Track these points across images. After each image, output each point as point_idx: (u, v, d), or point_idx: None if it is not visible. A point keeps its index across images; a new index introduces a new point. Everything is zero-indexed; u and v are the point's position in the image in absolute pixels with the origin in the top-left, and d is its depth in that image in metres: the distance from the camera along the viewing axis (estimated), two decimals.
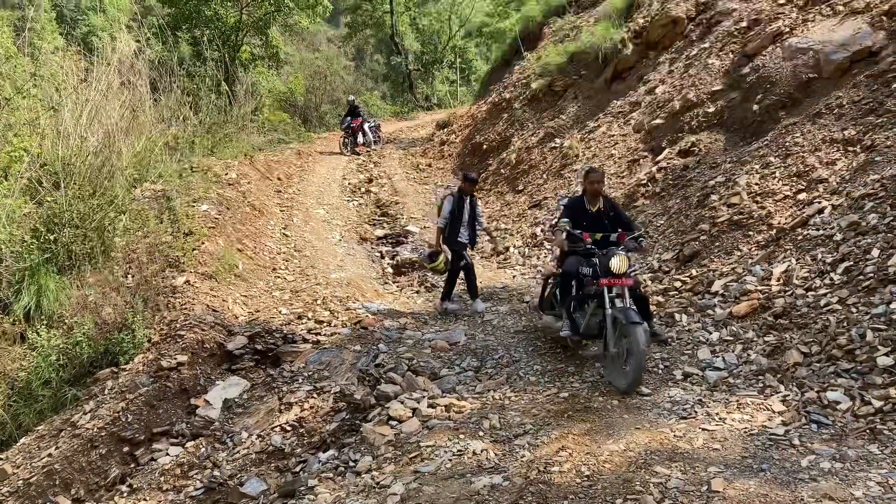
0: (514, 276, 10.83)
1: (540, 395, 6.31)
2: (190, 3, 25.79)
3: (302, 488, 5.64)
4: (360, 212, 15.23)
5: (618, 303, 6.27)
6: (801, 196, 7.81)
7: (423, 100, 37.59)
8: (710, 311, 7.12)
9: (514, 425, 5.72)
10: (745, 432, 5.08)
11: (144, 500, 6.46)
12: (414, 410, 6.34)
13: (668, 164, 10.57)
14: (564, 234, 6.90)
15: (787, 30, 10.28)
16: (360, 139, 20.84)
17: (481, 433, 5.64)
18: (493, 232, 10.19)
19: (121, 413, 7.33)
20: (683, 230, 8.84)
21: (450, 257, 9.22)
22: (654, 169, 10.76)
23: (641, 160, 11.48)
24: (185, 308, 8.93)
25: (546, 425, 5.61)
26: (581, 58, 16.09)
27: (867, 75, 8.55)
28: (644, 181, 10.59)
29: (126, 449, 7.08)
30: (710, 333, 6.76)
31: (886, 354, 5.19)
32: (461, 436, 5.62)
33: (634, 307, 6.17)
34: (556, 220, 7.86)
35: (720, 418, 5.35)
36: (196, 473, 6.63)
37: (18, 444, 7.58)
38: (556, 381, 6.58)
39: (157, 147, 13.00)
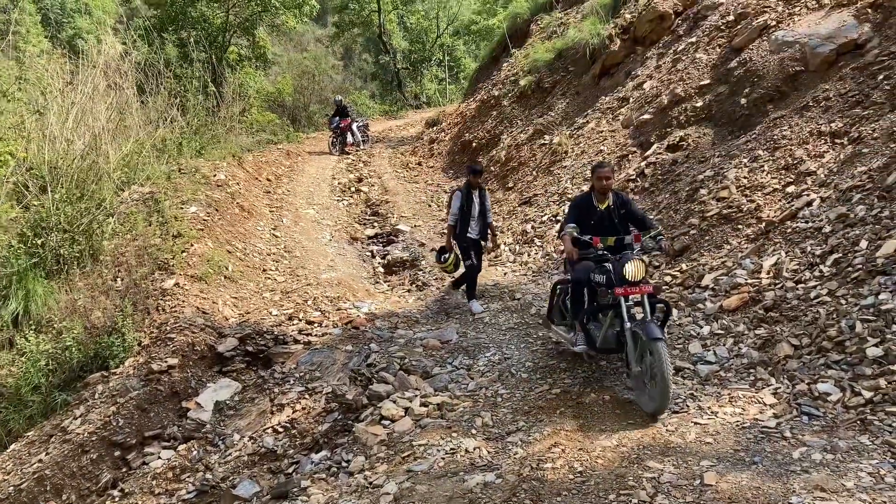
0: (504, 274, 10.82)
1: (532, 391, 6.30)
2: (176, 4, 25.70)
3: (294, 489, 5.62)
4: (351, 211, 15.19)
5: (638, 314, 5.77)
6: (790, 189, 7.84)
7: (412, 98, 37.55)
8: (700, 306, 7.13)
9: (506, 422, 5.72)
10: (737, 425, 5.09)
11: None
12: (406, 409, 6.33)
13: (656, 158, 10.58)
14: (572, 241, 6.24)
15: (774, 23, 10.30)
16: (349, 139, 20.78)
17: (474, 431, 5.63)
18: (496, 230, 9.80)
19: (112, 417, 7.29)
20: (673, 225, 8.86)
21: (460, 255, 9.02)
22: (642, 164, 10.77)
23: (630, 155, 11.49)
24: (175, 311, 8.88)
25: (538, 422, 5.61)
26: (569, 54, 16.13)
27: (853, 68, 8.58)
28: (633, 176, 10.60)
29: (117, 453, 7.04)
30: (701, 327, 6.77)
31: (876, 345, 5.21)
32: (454, 434, 5.62)
33: (656, 318, 5.68)
34: (563, 221, 6.97)
35: (712, 412, 5.36)
36: (188, 476, 6.60)
37: (8, 451, 7.53)
38: (547, 378, 6.57)
39: (145, 149, 12.93)
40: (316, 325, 8.93)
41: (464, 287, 9.43)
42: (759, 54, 10.01)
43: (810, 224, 7.00)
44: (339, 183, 17.17)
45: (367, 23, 36.70)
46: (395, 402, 6.47)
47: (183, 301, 9.09)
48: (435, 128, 21.59)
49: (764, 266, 6.96)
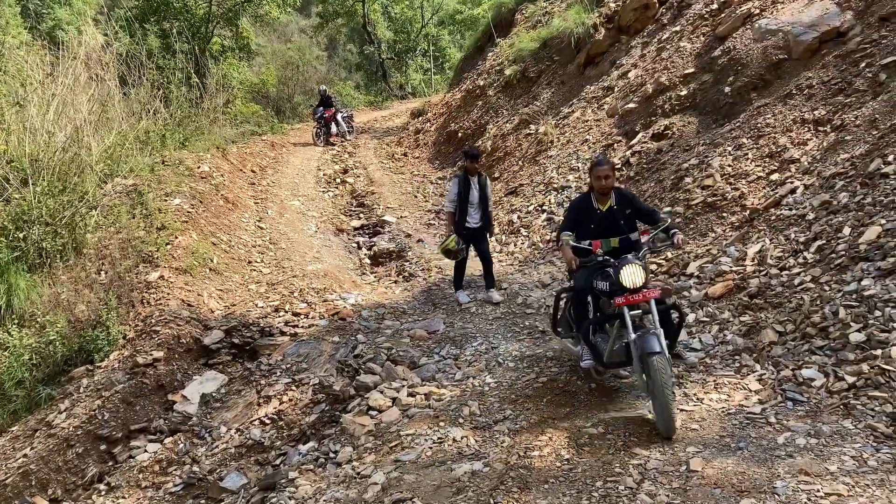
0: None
1: (519, 380, 6.31)
2: None
3: (282, 481, 5.61)
4: (336, 202, 15.13)
5: (647, 322, 5.22)
6: (774, 176, 7.88)
7: (398, 89, 37.38)
8: (686, 293, 7.16)
9: (493, 411, 5.73)
10: (723, 412, 5.13)
11: (123, 497, 6.40)
12: (394, 400, 6.33)
13: (641, 147, 10.61)
14: (574, 248, 5.62)
15: (758, 11, 10.33)
16: (334, 129, 20.68)
17: (461, 420, 5.64)
18: (493, 218, 9.43)
19: (97, 411, 7.25)
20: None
21: (459, 242, 8.62)
22: (628, 153, 10.79)
23: (616, 144, 11.51)
24: (160, 303, 8.83)
25: (525, 410, 5.63)
26: (554, 43, 16.12)
27: (836, 55, 8.62)
28: (618, 165, 10.61)
29: (103, 447, 7.01)
30: (687, 315, 6.80)
31: (859, 331, 5.25)
32: (441, 423, 5.62)
33: (660, 328, 5.04)
34: (559, 227, 6.31)
35: (698, 398, 5.39)
36: (175, 469, 6.58)
37: None
38: (534, 367, 6.59)
39: (128, 141, 12.82)
40: (302, 316, 8.90)
41: (477, 278, 9.22)
42: (743, 42, 10.04)
43: (794, 211, 7.04)
44: (324, 174, 17.09)
45: (351, 13, 36.44)
46: (382, 392, 6.47)
47: (168, 294, 9.03)
48: (420, 118, 21.53)
49: (748, 253, 7.00)
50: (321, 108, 20.77)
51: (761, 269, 6.68)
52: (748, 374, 5.60)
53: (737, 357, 5.89)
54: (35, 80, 12.02)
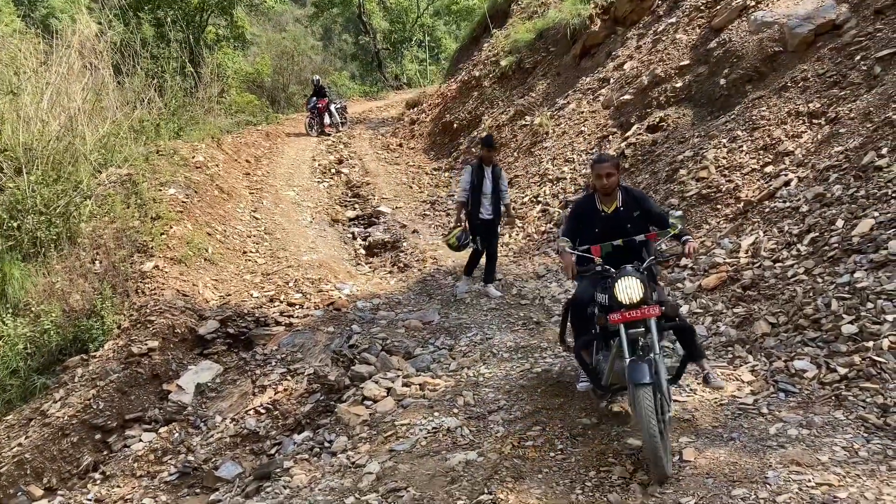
0: None
1: (513, 371, 6.34)
2: None
3: (277, 470, 5.63)
4: (331, 193, 15.11)
5: (650, 341, 4.47)
6: (768, 169, 7.90)
7: (393, 79, 37.25)
8: (679, 285, 7.19)
9: (488, 402, 5.75)
10: (716, 402, 5.16)
11: (118, 486, 6.41)
12: (388, 390, 6.35)
13: (636, 139, 10.62)
14: (573, 256, 4.89)
15: (753, 3, 10.33)
16: (327, 119, 20.63)
17: (456, 410, 5.66)
18: (511, 210, 9.23)
19: (92, 400, 7.24)
20: None
21: (461, 238, 8.49)
22: (623, 145, 10.80)
23: (611, 136, 11.52)
24: (155, 293, 8.83)
25: (520, 401, 5.65)
26: (549, 34, 16.09)
27: (831, 48, 8.63)
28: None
29: (98, 436, 7.01)
30: (681, 306, 6.83)
31: (851, 322, 5.29)
32: (436, 413, 5.65)
33: (658, 352, 4.38)
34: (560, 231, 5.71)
35: (691, 389, 5.43)
36: (170, 459, 6.59)
37: None
38: (528, 357, 6.61)
39: (122, 131, 12.76)
40: (297, 306, 8.91)
41: (479, 273, 9.03)
42: (739, 35, 10.04)
43: (788, 204, 7.07)
44: (319, 164, 17.06)
45: (346, 3, 36.28)
46: (377, 382, 6.49)
47: (163, 283, 9.03)
48: (416, 109, 21.48)
49: (742, 245, 7.02)
50: (314, 98, 20.71)
51: (755, 260, 6.71)
52: (741, 365, 5.64)
53: (730, 348, 5.93)
54: (29, 68, 11.97)
